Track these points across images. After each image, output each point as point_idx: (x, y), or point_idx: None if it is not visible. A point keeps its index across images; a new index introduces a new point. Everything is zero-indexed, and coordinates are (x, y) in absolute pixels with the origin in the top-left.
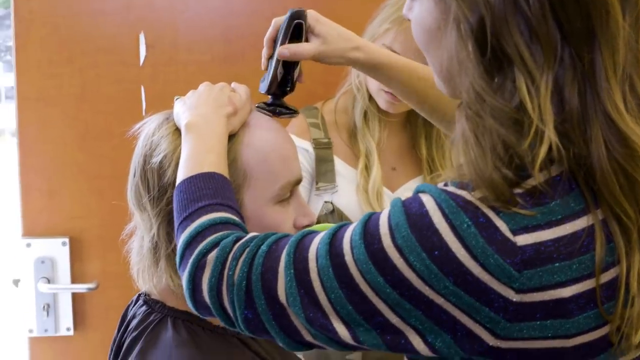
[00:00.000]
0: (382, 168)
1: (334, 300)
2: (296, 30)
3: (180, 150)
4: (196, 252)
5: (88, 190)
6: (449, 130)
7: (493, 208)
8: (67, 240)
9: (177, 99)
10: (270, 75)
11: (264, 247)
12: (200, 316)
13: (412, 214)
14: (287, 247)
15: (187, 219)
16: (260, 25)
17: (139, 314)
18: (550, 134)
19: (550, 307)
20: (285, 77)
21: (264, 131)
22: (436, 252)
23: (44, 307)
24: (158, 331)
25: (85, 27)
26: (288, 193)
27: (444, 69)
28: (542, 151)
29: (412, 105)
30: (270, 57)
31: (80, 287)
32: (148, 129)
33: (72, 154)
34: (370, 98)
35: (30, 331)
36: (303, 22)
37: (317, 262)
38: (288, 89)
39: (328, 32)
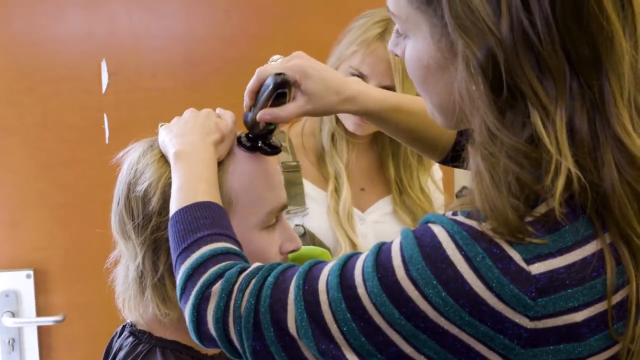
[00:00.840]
0: (351, 189)
1: (347, 333)
2: (279, 95)
3: (165, 178)
4: (199, 283)
5: (51, 220)
6: (438, 158)
7: (505, 239)
8: (31, 272)
9: (161, 126)
10: (252, 121)
11: (270, 279)
12: (203, 347)
13: (425, 246)
14: (295, 278)
15: (187, 250)
16: (222, 50)
17: (126, 346)
18: (570, 166)
19: (563, 332)
20: (267, 127)
21: (248, 158)
22: (452, 284)
23: (9, 341)
24: None
25: (46, 55)
26: (274, 219)
27: (444, 104)
28: (561, 184)
29: (410, 144)
30: (252, 107)
31: (46, 320)
32: (132, 157)
33: (34, 183)
34: (338, 120)
35: None
36: (287, 90)
37: (329, 295)
38: (272, 126)
39: (315, 88)
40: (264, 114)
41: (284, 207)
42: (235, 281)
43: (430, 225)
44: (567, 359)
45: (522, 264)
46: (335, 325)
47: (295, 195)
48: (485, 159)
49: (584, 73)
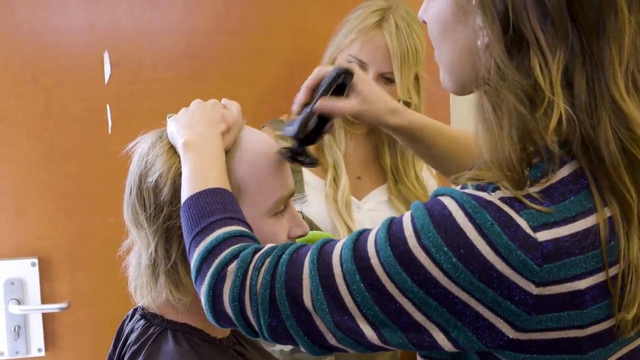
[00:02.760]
0: (348, 177)
1: (361, 303)
2: (338, 87)
3: (175, 168)
4: (215, 264)
5: (55, 209)
6: None
7: (513, 207)
8: (36, 260)
9: (169, 117)
10: (302, 122)
11: (285, 257)
12: (219, 327)
13: (435, 216)
14: (309, 254)
15: (201, 234)
16: (223, 41)
17: (138, 328)
18: (560, 104)
19: (566, 299)
20: (316, 128)
21: (257, 147)
22: (462, 250)
23: (14, 328)
24: (159, 343)
25: (49, 46)
26: (282, 206)
27: (456, 60)
28: (554, 120)
29: (434, 164)
30: (305, 105)
31: (51, 308)
32: (142, 148)
33: (38, 173)
34: None
35: (1, 354)
36: (348, 82)
37: (343, 267)
38: (316, 138)
39: (369, 91)
40: (322, 104)
41: (291, 194)
42: (251, 260)
43: (440, 197)
44: (570, 326)
45: (529, 231)
46: (349, 297)
47: (294, 183)
48: (489, 94)
49: (586, 35)
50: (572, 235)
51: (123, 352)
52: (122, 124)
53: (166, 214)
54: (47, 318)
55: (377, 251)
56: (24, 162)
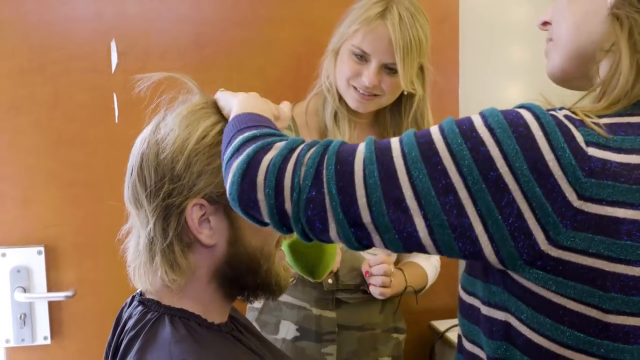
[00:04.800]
0: None
1: (413, 174)
2: None
3: (179, 144)
4: (261, 141)
5: (62, 197)
6: None
7: (573, 123)
8: (42, 248)
9: (221, 91)
10: None
11: (337, 142)
12: (236, 208)
13: (506, 111)
14: (366, 140)
15: (247, 129)
16: (231, 32)
17: (135, 314)
18: None
19: (603, 223)
20: None
21: None
22: (522, 140)
23: (20, 316)
24: (156, 329)
25: (57, 35)
26: None
27: (580, 23)
28: None
29: None
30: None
31: (57, 296)
32: (145, 132)
33: (45, 162)
34: (340, 99)
35: (7, 341)
36: None
37: (402, 143)
38: None
39: None
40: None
41: None
42: (300, 143)
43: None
44: (600, 254)
45: (582, 144)
46: (403, 166)
47: None
48: (635, 20)
49: None
50: (621, 164)
51: (121, 338)
52: (129, 112)
53: (166, 191)
54: (53, 306)
55: (442, 129)
56: (31, 151)
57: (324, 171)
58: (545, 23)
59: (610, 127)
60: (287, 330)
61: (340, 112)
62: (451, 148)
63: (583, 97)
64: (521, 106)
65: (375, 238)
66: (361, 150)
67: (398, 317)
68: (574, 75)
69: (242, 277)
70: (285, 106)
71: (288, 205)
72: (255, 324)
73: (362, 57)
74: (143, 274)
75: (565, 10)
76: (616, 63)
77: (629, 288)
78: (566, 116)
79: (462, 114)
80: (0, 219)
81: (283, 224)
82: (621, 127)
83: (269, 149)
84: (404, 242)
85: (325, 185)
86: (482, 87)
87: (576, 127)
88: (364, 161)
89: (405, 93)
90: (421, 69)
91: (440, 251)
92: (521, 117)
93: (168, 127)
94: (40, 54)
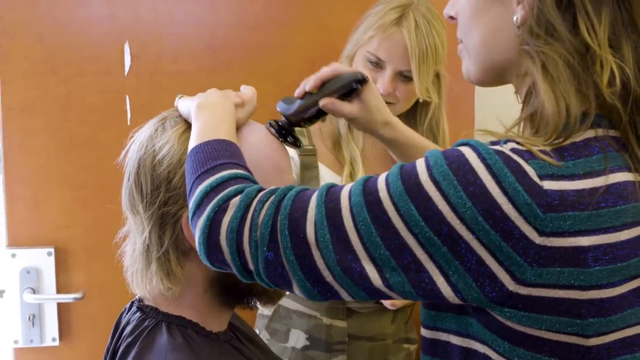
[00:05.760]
0: (365, 174)
1: (365, 237)
2: (349, 91)
3: (175, 153)
4: (217, 197)
5: (73, 199)
6: None
7: (522, 157)
8: (52, 250)
9: (180, 97)
10: (301, 107)
11: (292, 193)
12: (210, 266)
13: (449, 155)
14: (317, 191)
15: (206, 174)
16: (245, 36)
17: (133, 320)
18: (611, 60)
19: (569, 255)
20: (311, 117)
21: (257, 140)
22: (471, 187)
23: (29, 317)
24: (153, 336)
25: (70, 36)
26: None
27: (487, 40)
28: (606, 74)
29: None
30: (310, 92)
31: (66, 297)
32: (143, 134)
33: (57, 163)
34: None
35: (16, 342)
36: (359, 88)
37: (350, 201)
38: (307, 124)
39: (371, 101)
40: (327, 102)
41: None
42: (255, 195)
43: (456, 147)
44: (570, 285)
45: (536, 179)
46: (353, 229)
47: (310, 178)
48: (538, 55)
49: (630, 10)
50: (578, 192)
51: (119, 344)
52: (141, 115)
53: (162, 199)
54: (61, 308)
55: (387, 185)
56: (42, 152)
57: (279, 235)
58: (452, 17)
59: (556, 153)
60: (297, 339)
61: None
62: (398, 207)
63: (516, 123)
64: (465, 143)
65: (342, 293)
66: (312, 208)
67: (409, 328)
68: (493, 83)
69: (238, 284)
70: (245, 89)
71: (251, 266)
72: (265, 332)
73: (377, 64)
74: (140, 280)
75: (471, 17)
76: (537, 94)
77: (605, 310)
78: (513, 150)
79: (477, 122)
80: (10, 220)
81: (253, 279)
82: (567, 150)
83: (226, 208)
84: (371, 295)
85: (281, 249)
86: (498, 94)
87: (526, 160)
88: (315, 224)
89: (421, 101)
90: (437, 76)
91: (410, 299)
92: (466, 161)
93: (166, 139)
94: (53, 55)
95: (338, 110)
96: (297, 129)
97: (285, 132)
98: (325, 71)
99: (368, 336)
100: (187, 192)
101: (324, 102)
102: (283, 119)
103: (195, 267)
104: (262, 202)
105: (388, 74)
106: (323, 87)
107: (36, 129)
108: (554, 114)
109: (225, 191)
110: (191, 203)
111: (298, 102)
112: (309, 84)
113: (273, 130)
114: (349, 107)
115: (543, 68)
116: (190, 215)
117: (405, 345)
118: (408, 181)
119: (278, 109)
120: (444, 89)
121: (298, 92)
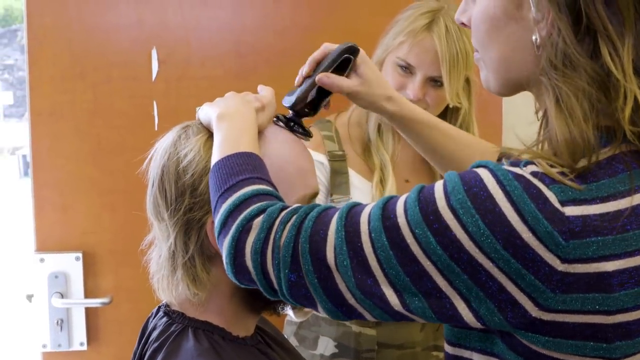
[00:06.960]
0: (396, 180)
1: (384, 263)
2: (342, 63)
3: (199, 160)
4: (241, 217)
5: (101, 205)
6: None
7: (543, 181)
8: (80, 255)
9: (199, 109)
10: (301, 93)
11: (313, 214)
12: (238, 284)
13: (467, 181)
14: (338, 212)
15: (229, 191)
16: (271, 40)
17: (160, 325)
18: (636, 90)
19: (593, 280)
20: (314, 101)
21: (280, 143)
22: (489, 216)
23: (57, 322)
24: (179, 341)
25: (98, 42)
26: None
27: (506, 58)
28: (629, 106)
29: (426, 155)
30: (307, 77)
31: (94, 302)
32: (166, 142)
33: (85, 168)
34: None
35: (44, 346)
36: (353, 58)
37: (370, 225)
38: (312, 111)
39: (369, 75)
40: (324, 77)
41: (314, 194)
42: (277, 215)
43: (474, 168)
44: (595, 310)
45: (557, 205)
46: (373, 254)
47: (340, 184)
48: (559, 85)
49: None
50: (601, 215)
51: (145, 348)
52: (168, 120)
53: (187, 205)
54: (89, 312)
55: (406, 210)
56: (71, 157)
57: (300, 258)
58: (464, 24)
59: (579, 175)
60: (326, 347)
61: (383, 125)
62: (416, 235)
63: (534, 144)
64: (484, 165)
65: (365, 314)
66: (332, 232)
67: (439, 335)
68: (513, 94)
69: None
70: (262, 90)
71: (277, 287)
72: (293, 339)
73: (407, 70)
74: (166, 287)
75: (487, 34)
76: (550, 124)
77: (632, 333)
78: (534, 173)
79: (505, 127)
80: (39, 225)
81: (280, 298)
82: (589, 171)
83: (249, 229)
84: (393, 317)
85: (303, 271)
86: (527, 100)
87: (547, 185)
88: (334, 248)
89: (451, 106)
90: (467, 81)
91: (432, 322)
92: (484, 187)
93: (190, 147)
94: (81, 61)
95: (336, 84)
96: (323, 133)
97: (294, 124)
98: (316, 52)
99: (397, 344)
100: (212, 209)
101: (319, 77)
102: (290, 113)
103: (221, 272)
104: (284, 223)
105: (418, 80)
106: (317, 68)
107: (64, 133)
108: (568, 144)
109: (248, 210)
110: (216, 222)
111: (298, 90)
112: (304, 68)
113: (281, 124)
114: (348, 82)
115: (557, 103)
116: (216, 234)
117: (434, 353)
118: (426, 208)
119: (283, 103)
120: (474, 94)
121: (297, 80)
